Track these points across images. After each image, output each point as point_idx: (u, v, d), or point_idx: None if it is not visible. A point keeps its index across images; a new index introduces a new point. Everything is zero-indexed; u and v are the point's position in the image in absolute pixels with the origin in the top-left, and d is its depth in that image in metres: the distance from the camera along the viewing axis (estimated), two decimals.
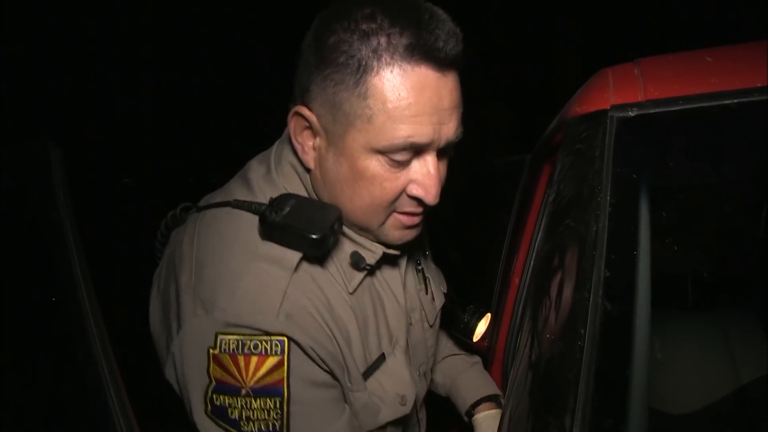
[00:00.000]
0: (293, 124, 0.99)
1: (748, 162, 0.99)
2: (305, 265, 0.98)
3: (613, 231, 0.84)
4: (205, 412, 0.93)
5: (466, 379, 1.51)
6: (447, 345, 1.57)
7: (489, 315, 1.48)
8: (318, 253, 0.98)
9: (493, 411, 1.42)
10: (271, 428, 0.92)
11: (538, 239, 1.77)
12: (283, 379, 0.91)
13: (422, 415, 1.33)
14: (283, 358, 0.91)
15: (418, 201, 1.00)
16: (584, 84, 1.20)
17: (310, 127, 0.97)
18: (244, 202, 1.02)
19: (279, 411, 0.92)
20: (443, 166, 1.03)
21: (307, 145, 1.00)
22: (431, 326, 1.31)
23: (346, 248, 1.05)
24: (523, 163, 2.40)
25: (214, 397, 0.92)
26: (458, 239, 3.44)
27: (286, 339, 0.91)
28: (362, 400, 1.03)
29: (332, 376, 0.99)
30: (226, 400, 0.92)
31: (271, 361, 0.91)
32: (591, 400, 0.73)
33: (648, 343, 0.77)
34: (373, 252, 1.07)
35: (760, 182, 1.32)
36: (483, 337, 1.52)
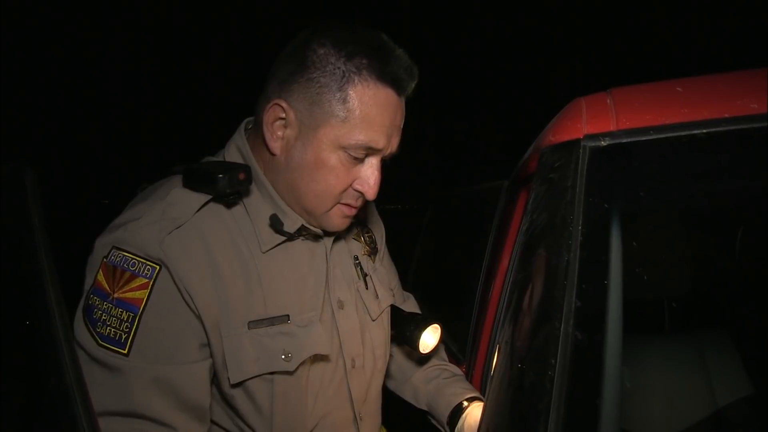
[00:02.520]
0: (269, 114, 1.14)
1: (719, 189, 1.00)
2: (213, 209, 1.15)
3: (585, 261, 0.85)
4: (82, 307, 1.08)
5: (457, 381, 1.57)
6: (431, 358, 1.64)
7: (436, 326, 1.50)
8: (224, 191, 1.11)
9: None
10: (117, 338, 1.04)
11: (513, 268, 1.78)
12: (143, 300, 1.04)
13: (364, 414, 1.37)
14: (149, 282, 1.05)
15: (359, 195, 1.20)
16: (558, 113, 1.21)
17: (283, 119, 1.13)
18: (181, 167, 1.18)
19: (129, 325, 1.04)
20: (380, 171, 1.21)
21: (277, 134, 1.15)
22: (374, 321, 1.40)
23: (267, 209, 1.19)
24: (501, 189, 2.41)
25: (90, 296, 1.07)
26: (437, 265, 3.44)
27: (159, 267, 1.05)
28: (236, 344, 1.12)
29: (198, 319, 1.08)
30: (96, 301, 1.06)
31: (139, 281, 1.05)
32: (562, 430, 0.73)
33: (619, 372, 0.77)
34: (292, 220, 1.20)
35: (732, 209, 1.34)
36: (433, 351, 1.55)
